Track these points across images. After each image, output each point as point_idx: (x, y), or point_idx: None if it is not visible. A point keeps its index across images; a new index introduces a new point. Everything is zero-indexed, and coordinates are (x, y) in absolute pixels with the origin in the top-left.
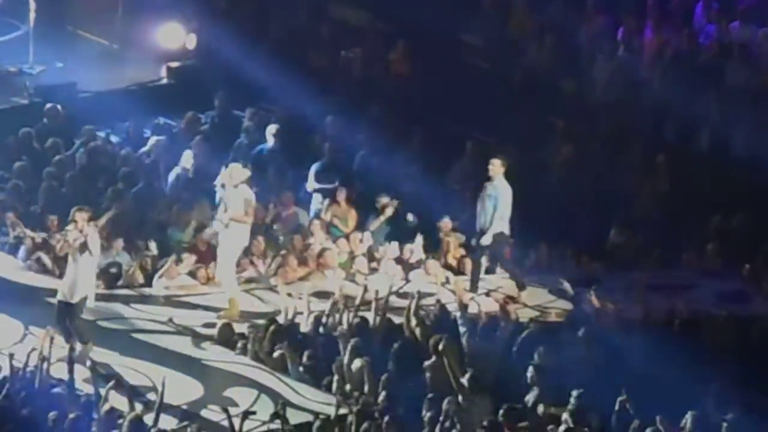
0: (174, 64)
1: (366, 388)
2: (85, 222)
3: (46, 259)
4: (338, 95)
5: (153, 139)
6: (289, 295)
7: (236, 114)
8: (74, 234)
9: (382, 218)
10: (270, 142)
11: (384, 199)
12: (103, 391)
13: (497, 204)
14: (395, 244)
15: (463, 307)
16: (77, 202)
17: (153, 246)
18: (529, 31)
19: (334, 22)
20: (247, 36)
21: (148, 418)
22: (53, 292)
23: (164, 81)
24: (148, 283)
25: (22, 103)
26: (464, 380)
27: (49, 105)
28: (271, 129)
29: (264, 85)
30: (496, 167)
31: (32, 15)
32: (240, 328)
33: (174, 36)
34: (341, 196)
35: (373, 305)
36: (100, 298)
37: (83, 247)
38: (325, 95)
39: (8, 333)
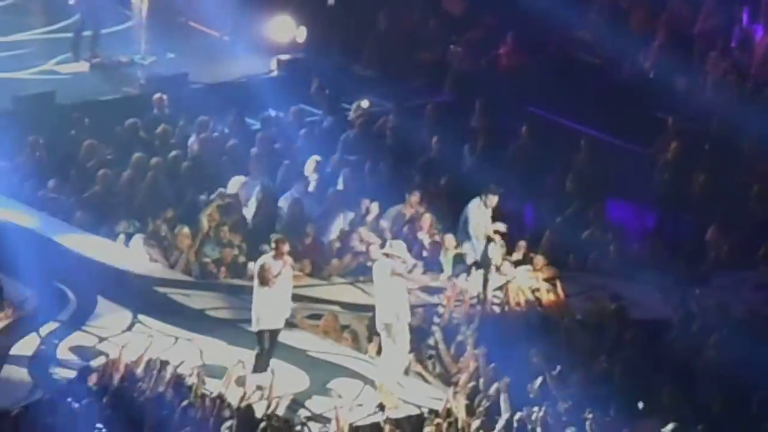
0: (284, 57)
1: (481, 379)
2: (286, 252)
3: (155, 251)
4: (446, 90)
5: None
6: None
7: (343, 107)
8: (276, 264)
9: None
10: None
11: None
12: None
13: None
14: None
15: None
16: (188, 192)
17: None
18: (644, 28)
19: (444, 16)
20: (357, 29)
21: (258, 407)
22: (162, 282)
23: (274, 73)
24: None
25: (133, 93)
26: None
27: (157, 95)
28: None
29: (372, 78)
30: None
31: (145, 6)
32: (345, 319)
33: (284, 29)
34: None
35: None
36: (207, 287)
37: (281, 277)
38: (433, 90)
39: (117, 321)
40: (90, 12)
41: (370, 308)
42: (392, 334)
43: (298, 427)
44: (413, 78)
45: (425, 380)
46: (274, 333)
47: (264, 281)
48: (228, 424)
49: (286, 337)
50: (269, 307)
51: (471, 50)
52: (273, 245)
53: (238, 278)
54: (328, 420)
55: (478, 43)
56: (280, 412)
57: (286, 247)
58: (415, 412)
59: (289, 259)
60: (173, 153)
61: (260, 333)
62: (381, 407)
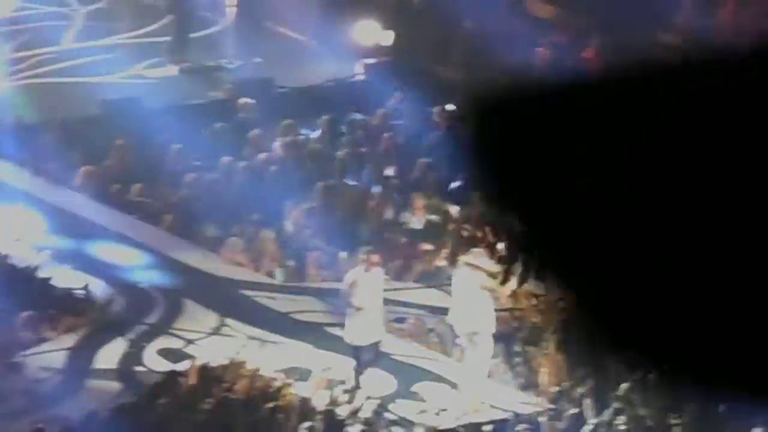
0: (370, 61)
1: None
2: (376, 263)
3: (241, 255)
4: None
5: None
6: None
7: (427, 110)
8: (366, 277)
9: None
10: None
11: None
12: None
13: None
14: None
15: None
16: (276, 196)
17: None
18: (734, 30)
19: (528, 18)
20: (442, 33)
21: (344, 410)
22: (248, 285)
23: (360, 77)
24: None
25: (220, 97)
26: None
27: (243, 99)
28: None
29: (457, 82)
30: None
31: (231, 10)
32: (430, 323)
33: (370, 32)
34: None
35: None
36: (293, 290)
37: (370, 293)
38: (516, 93)
39: (204, 324)
40: (183, 15)
41: (444, 311)
42: (475, 342)
43: (383, 431)
44: (497, 81)
45: (510, 385)
46: (375, 344)
47: (353, 301)
48: (307, 425)
49: None
50: (363, 324)
51: (556, 53)
52: (363, 257)
53: (323, 282)
54: (412, 423)
55: (564, 46)
56: (366, 415)
57: (375, 258)
58: (500, 416)
59: (380, 271)
60: (260, 157)
61: (356, 348)
62: (464, 411)
